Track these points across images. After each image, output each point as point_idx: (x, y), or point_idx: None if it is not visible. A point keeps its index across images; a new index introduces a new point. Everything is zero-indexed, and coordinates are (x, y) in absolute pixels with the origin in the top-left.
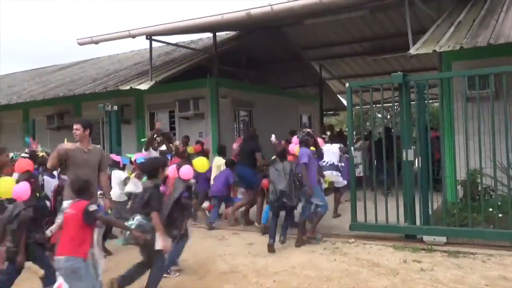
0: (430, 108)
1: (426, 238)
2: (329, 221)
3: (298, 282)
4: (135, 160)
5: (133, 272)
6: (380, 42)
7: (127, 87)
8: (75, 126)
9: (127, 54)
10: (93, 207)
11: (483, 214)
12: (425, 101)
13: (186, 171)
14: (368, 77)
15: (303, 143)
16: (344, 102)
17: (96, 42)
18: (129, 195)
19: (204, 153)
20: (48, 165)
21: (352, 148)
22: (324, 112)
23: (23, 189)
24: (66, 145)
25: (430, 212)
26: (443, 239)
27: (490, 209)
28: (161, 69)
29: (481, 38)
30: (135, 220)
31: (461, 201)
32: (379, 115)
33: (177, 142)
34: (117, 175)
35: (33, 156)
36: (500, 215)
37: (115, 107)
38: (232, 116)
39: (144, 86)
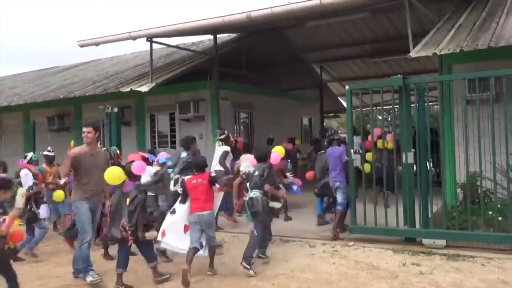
0: (430, 111)
1: (425, 241)
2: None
3: (296, 285)
4: (157, 160)
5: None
6: (381, 44)
7: (128, 89)
8: (86, 130)
9: (128, 56)
10: (213, 174)
11: (482, 217)
12: (425, 104)
13: (274, 158)
14: (369, 79)
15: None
16: (345, 104)
17: (97, 44)
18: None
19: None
20: (62, 175)
21: (351, 150)
22: (325, 114)
23: (140, 165)
24: (75, 150)
25: (429, 215)
26: (443, 242)
27: (490, 212)
28: (162, 71)
29: (482, 41)
30: (252, 193)
31: (461, 204)
32: (380, 117)
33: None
34: (148, 170)
35: None
36: (499, 218)
37: (115, 109)
38: (233, 118)
39: (144, 88)
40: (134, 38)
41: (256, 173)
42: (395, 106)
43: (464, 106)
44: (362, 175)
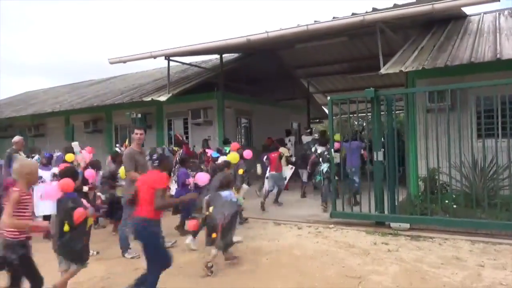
0: (397, 118)
1: (393, 224)
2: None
3: (286, 260)
4: (210, 155)
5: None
6: (357, 62)
7: (149, 99)
8: (139, 131)
9: (149, 71)
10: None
11: (440, 205)
12: (393, 112)
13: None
14: (348, 91)
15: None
16: (327, 111)
17: (124, 62)
18: None
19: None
20: (130, 170)
21: (332, 150)
22: (311, 120)
23: (248, 152)
24: (130, 149)
25: (396, 203)
26: (407, 225)
27: (446, 201)
28: (177, 84)
29: (440, 60)
30: (325, 166)
31: (422, 194)
32: (356, 123)
33: None
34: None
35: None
36: (454, 206)
37: (139, 115)
38: (235, 123)
39: (162, 98)
40: (155, 57)
41: None
42: (368, 114)
43: (425, 114)
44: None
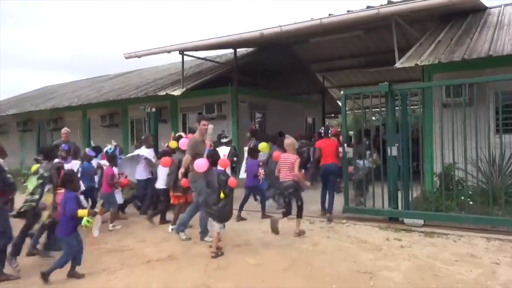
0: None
1: (406, 220)
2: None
3: (297, 254)
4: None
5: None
6: (373, 57)
7: (164, 93)
8: (206, 123)
9: (164, 66)
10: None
11: (455, 201)
12: (407, 107)
13: None
14: (363, 86)
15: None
16: None
17: (139, 56)
18: None
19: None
20: (190, 155)
21: (345, 145)
22: (326, 115)
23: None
24: (194, 138)
25: (410, 199)
26: (421, 221)
27: (462, 197)
28: (191, 79)
29: (457, 54)
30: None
31: (437, 190)
32: (373, 118)
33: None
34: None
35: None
36: (470, 202)
37: (154, 109)
38: (249, 118)
39: (177, 92)
40: (169, 52)
41: None
42: (382, 109)
43: (441, 109)
44: None
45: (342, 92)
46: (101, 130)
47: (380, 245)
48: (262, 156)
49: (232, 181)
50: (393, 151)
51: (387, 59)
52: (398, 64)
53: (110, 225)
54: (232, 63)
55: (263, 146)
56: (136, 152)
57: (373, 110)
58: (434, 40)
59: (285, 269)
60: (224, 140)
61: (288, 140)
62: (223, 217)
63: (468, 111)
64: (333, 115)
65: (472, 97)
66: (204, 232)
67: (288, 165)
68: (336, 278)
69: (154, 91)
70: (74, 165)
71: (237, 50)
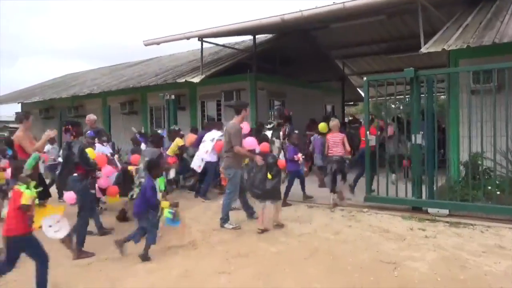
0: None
1: (430, 210)
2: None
3: (318, 243)
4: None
5: None
6: (396, 43)
7: (183, 80)
8: (248, 109)
9: (183, 53)
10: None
11: (482, 191)
12: (433, 94)
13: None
14: (384, 72)
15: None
16: (363, 94)
17: (158, 43)
18: None
19: None
20: (239, 144)
21: (368, 132)
22: (346, 103)
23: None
24: (237, 126)
25: (435, 188)
26: (446, 211)
27: (489, 187)
28: (210, 66)
29: (487, 38)
30: None
31: (463, 179)
32: (393, 106)
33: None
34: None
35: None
36: (498, 192)
37: (173, 97)
38: (268, 105)
39: (196, 80)
40: (188, 38)
41: None
42: (406, 96)
43: (469, 96)
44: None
45: (365, 78)
46: (120, 117)
47: (403, 234)
48: (316, 137)
49: (281, 162)
50: (417, 138)
51: (409, 44)
52: (423, 49)
53: None
54: (251, 49)
55: (322, 126)
56: (210, 135)
57: (397, 97)
58: (462, 24)
59: (306, 257)
60: (268, 126)
61: (333, 122)
62: (269, 195)
63: (498, 97)
64: (352, 102)
65: (502, 83)
66: (224, 219)
67: (337, 142)
68: (358, 267)
69: (173, 78)
70: (106, 150)
71: (256, 36)
